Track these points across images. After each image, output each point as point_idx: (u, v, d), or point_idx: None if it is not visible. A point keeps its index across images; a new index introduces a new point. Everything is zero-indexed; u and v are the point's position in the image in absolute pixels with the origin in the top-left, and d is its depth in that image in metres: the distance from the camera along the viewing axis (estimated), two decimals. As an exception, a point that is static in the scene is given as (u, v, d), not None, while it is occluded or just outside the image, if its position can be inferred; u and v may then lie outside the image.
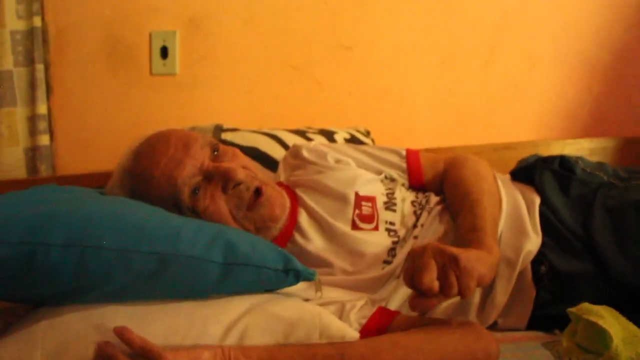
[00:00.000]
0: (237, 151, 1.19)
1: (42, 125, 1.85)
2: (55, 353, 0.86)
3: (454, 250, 0.91)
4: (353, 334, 0.94)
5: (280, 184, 1.30)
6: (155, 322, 0.89)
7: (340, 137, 1.71)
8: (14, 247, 0.85)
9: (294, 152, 1.37)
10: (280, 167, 1.40)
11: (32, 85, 1.83)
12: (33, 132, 1.85)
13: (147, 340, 0.83)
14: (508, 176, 1.33)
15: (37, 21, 1.82)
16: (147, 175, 1.10)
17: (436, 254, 0.90)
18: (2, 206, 0.93)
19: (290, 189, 1.27)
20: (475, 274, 0.91)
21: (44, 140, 1.85)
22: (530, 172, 1.27)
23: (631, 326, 0.96)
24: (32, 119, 1.85)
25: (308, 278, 0.99)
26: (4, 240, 0.85)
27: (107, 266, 0.88)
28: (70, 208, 0.94)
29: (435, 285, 0.89)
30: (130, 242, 0.90)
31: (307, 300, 1.02)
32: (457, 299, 1.10)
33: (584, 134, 1.98)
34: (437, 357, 0.89)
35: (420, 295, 0.91)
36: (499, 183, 1.23)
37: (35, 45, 1.82)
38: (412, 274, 0.91)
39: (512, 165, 1.38)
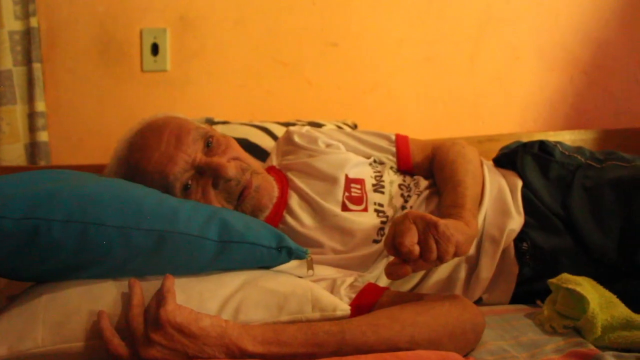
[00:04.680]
0: (232, 141, 1.20)
1: (41, 122, 1.87)
2: (56, 325, 0.88)
3: (433, 217, 0.94)
4: (344, 306, 0.96)
5: (272, 168, 1.33)
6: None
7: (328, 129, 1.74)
8: (18, 222, 0.88)
9: (287, 138, 1.40)
10: (273, 152, 1.41)
11: (30, 83, 1.86)
12: (32, 129, 1.87)
13: (104, 330, 0.87)
14: (491, 163, 1.37)
15: (33, 22, 1.84)
16: (140, 169, 1.12)
17: (417, 220, 0.94)
18: (6, 185, 0.96)
19: (281, 173, 1.29)
20: (454, 239, 0.94)
21: (43, 136, 1.87)
22: (512, 157, 1.31)
23: (607, 293, 1.01)
24: (32, 116, 1.87)
25: (300, 256, 1.02)
26: (7, 216, 0.88)
27: (108, 242, 0.91)
28: (72, 186, 0.97)
29: (416, 249, 0.92)
30: (130, 219, 0.93)
31: (299, 278, 1.04)
32: (443, 275, 1.15)
33: (566, 126, 2.02)
34: (430, 330, 0.91)
35: (397, 262, 0.94)
36: (485, 168, 1.26)
37: (32, 44, 1.84)
38: (393, 237, 0.94)
39: (496, 157, 1.41)
